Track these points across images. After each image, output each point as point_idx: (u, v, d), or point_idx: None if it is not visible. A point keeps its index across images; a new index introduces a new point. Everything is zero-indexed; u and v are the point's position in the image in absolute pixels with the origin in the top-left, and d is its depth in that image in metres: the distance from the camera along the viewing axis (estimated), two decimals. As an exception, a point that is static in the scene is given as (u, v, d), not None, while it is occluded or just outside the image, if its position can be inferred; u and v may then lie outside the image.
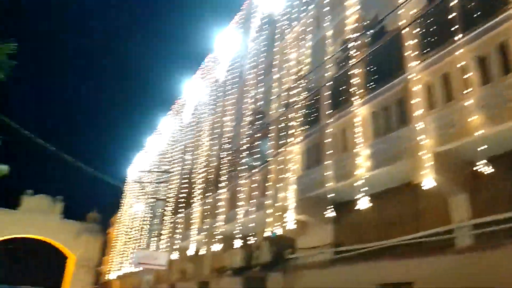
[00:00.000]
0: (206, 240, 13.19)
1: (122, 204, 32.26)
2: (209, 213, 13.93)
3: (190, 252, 14.45)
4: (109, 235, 38.04)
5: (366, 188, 8.21)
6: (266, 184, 11.83)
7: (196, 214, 14.89)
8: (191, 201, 15.67)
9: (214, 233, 13.11)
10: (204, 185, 15.14)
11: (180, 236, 16.04)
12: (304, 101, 11.13)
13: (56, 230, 35.79)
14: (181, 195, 16.52)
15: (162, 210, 16.12)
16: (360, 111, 9.06)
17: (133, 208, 23.25)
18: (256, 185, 12.43)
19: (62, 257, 39.23)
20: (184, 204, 16.66)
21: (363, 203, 8.20)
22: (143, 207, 17.31)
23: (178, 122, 20.18)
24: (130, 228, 25.77)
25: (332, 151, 9.51)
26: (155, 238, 17.34)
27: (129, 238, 25.65)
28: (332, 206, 9.29)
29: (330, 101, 10.24)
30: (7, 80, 7.07)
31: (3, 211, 34.40)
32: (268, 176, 11.87)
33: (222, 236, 12.87)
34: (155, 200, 16.69)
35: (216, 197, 13.89)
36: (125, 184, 32.24)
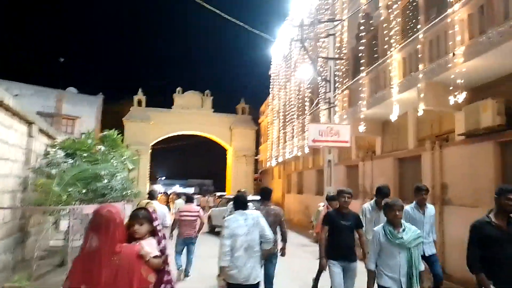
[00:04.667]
0: (423, 93, 8.30)
1: (271, 88, 29.19)
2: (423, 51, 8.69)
3: (392, 116, 9.88)
4: (261, 124, 36.50)
5: None
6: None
7: (394, 64, 9.92)
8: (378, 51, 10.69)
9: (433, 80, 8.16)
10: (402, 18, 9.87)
11: (365, 102, 11.45)
12: None
13: (209, 124, 35.58)
14: (359, 50, 11.59)
15: (335, 72, 11.54)
16: None
17: (293, 77, 19.50)
18: None
19: (222, 150, 39.96)
20: (365, 60, 11.79)
21: None
22: (307, 71, 12.92)
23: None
24: (288, 106, 22.39)
25: None
26: (324, 112, 13.07)
27: (287, 121, 22.47)
28: None
29: None
30: None
31: (159, 111, 35.05)
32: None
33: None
34: (323, 59, 12.15)
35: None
36: (271, 65, 28.79)
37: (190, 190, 61.48)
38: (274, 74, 28.09)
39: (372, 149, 13.57)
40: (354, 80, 12.61)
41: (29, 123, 8.25)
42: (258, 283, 4.46)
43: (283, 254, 5.92)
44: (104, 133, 10.25)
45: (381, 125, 12.71)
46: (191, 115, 35.02)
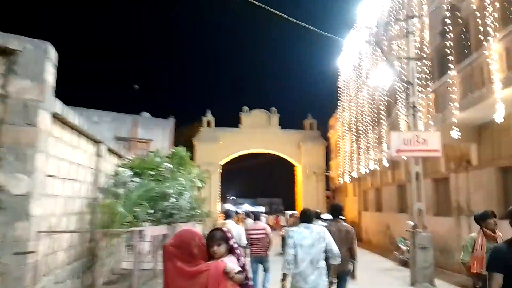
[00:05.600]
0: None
1: (340, 101, 27.91)
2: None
3: (496, 116, 8.33)
4: (331, 139, 35.10)
5: None
6: None
7: (495, 56, 8.42)
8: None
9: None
10: None
11: (457, 105, 9.97)
12: None
13: (277, 141, 34.91)
14: (445, 46, 10.24)
15: (419, 74, 10.30)
16: None
17: (365, 86, 18.13)
18: None
19: (290, 167, 39.05)
20: (454, 58, 10.37)
21: None
22: (384, 76, 11.72)
23: None
24: (360, 117, 21.01)
25: None
26: (405, 118, 11.76)
27: (360, 133, 21.07)
28: None
29: None
30: None
31: (227, 131, 35.23)
32: None
33: None
34: (401, 61, 10.94)
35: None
36: (339, 76, 27.58)
37: (260, 209, 61.08)
38: (342, 86, 26.83)
39: (466, 158, 11.84)
40: (441, 81, 11.14)
41: (97, 142, 8.06)
42: None
43: (353, 277, 5.70)
44: (172, 150, 9.92)
45: (477, 130, 11.03)
46: (258, 134, 34.69)
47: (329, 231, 4.94)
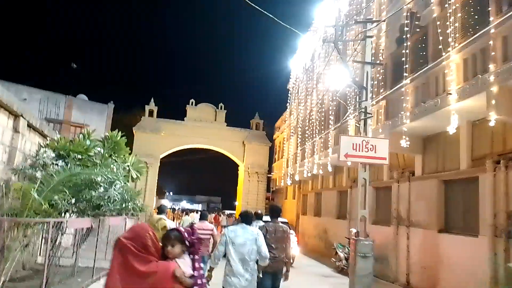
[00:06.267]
0: (494, 99, 6.74)
1: (289, 103, 27.79)
2: None
3: (449, 128, 8.26)
4: (276, 141, 35.01)
5: None
6: None
7: (452, 66, 8.34)
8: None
9: None
10: None
11: (408, 114, 9.96)
12: None
13: (222, 138, 34.17)
14: (401, 54, 10.20)
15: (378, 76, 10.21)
16: None
17: (315, 90, 17.86)
18: None
19: (233, 166, 38.46)
20: (409, 65, 10.32)
21: None
22: (336, 78, 11.49)
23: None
24: (308, 121, 20.88)
25: None
26: (355, 123, 11.69)
27: (307, 137, 20.97)
28: None
29: None
30: None
31: (170, 122, 33.92)
32: None
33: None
34: (359, 63, 10.76)
35: None
36: (290, 78, 27.45)
37: (197, 207, 59.85)
38: (292, 88, 26.74)
39: (409, 168, 11.92)
40: (394, 88, 11.09)
41: (15, 116, 6.86)
42: None
43: (286, 278, 5.76)
44: (106, 134, 8.85)
45: (422, 141, 11.11)
46: (203, 128, 33.72)
47: (267, 231, 5.41)
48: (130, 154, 9.42)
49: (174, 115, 34.86)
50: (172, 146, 33.82)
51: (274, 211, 6.19)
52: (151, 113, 33.32)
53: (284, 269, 5.69)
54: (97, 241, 8.69)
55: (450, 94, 7.87)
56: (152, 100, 33.59)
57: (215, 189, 69.77)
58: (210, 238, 7.86)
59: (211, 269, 4.93)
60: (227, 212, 32.32)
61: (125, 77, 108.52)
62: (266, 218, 13.21)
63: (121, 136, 8.84)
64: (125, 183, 8.34)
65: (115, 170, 7.85)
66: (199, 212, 9.56)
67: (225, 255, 4.85)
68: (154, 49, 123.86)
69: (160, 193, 46.85)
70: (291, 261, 5.96)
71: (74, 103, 27.31)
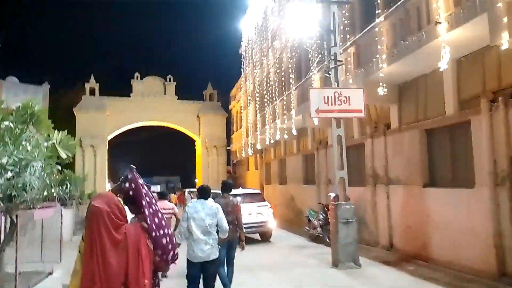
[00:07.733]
0: (505, 17, 5.49)
1: (243, 68, 26.07)
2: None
3: (441, 64, 7.00)
4: (232, 111, 33.35)
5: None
6: None
7: None
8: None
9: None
10: None
11: (384, 57, 8.68)
12: None
13: (174, 113, 31.92)
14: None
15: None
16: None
17: (271, 50, 16.38)
18: None
19: (189, 143, 36.47)
20: (381, 1, 8.95)
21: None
22: (297, 25, 9.98)
23: None
24: (266, 84, 19.37)
25: None
26: (321, 75, 10.35)
27: (266, 102, 19.50)
28: None
29: None
30: None
31: (115, 99, 31.26)
32: None
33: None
34: (324, 3, 9.31)
35: None
36: (241, 41, 25.60)
37: (156, 189, 57.49)
38: (246, 52, 24.97)
39: (384, 121, 10.81)
40: (365, 30, 9.73)
41: None
42: (214, 260, 5.16)
43: (242, 248, 6.24)
44: (18, 104, 6.88)
45: (398, 89, 9.96)
46: (152, 103, 31.29)
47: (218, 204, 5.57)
48: (54, 129, 7.51)
49: (121, 92, 32.13)
50: (120, 125, 31.27)
51: (225, 186, 6.56)
52: (92, 91, 30.40)
53: (238, 239, 6.22)
54: (17, 242, 6.80)
55: (439, 23, 6.58)
56: (92, 77, 30.59)
57: (173, 168, 67.43)
58: (171, 217, 7.90)
59: (178, 245, 4.49)
60: (187, 190, 30.72)
61: (60, 55, 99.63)
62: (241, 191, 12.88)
63: (37, 102, 6.93)
64: (51, 164, 6.52)
65: (30, 149, 5.99)
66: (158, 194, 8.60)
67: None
68: (90, 20, 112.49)
69: (114, 178, 44.13)
70: (243, 230, 6.35)
71: (4, 86, 24.40)
